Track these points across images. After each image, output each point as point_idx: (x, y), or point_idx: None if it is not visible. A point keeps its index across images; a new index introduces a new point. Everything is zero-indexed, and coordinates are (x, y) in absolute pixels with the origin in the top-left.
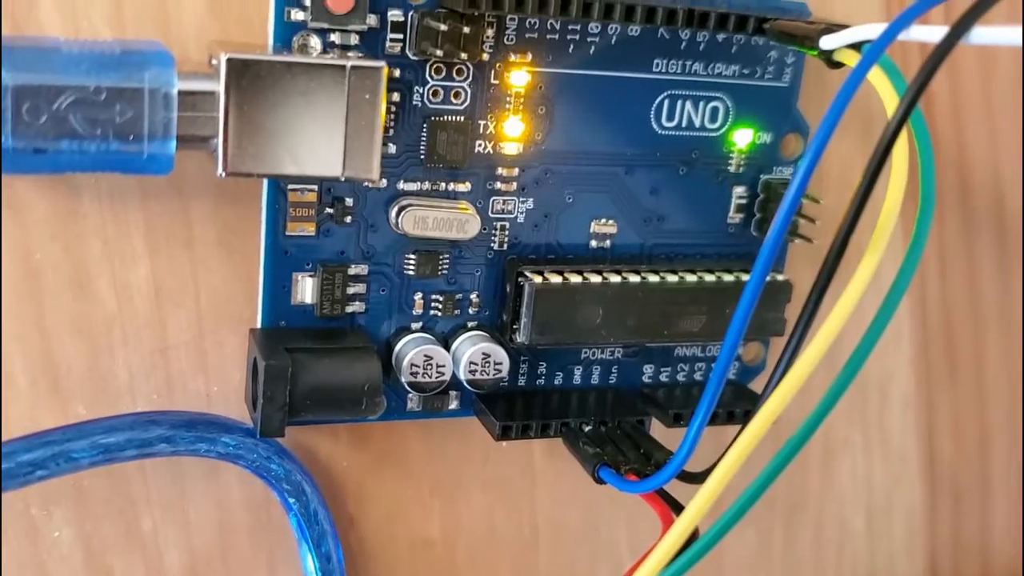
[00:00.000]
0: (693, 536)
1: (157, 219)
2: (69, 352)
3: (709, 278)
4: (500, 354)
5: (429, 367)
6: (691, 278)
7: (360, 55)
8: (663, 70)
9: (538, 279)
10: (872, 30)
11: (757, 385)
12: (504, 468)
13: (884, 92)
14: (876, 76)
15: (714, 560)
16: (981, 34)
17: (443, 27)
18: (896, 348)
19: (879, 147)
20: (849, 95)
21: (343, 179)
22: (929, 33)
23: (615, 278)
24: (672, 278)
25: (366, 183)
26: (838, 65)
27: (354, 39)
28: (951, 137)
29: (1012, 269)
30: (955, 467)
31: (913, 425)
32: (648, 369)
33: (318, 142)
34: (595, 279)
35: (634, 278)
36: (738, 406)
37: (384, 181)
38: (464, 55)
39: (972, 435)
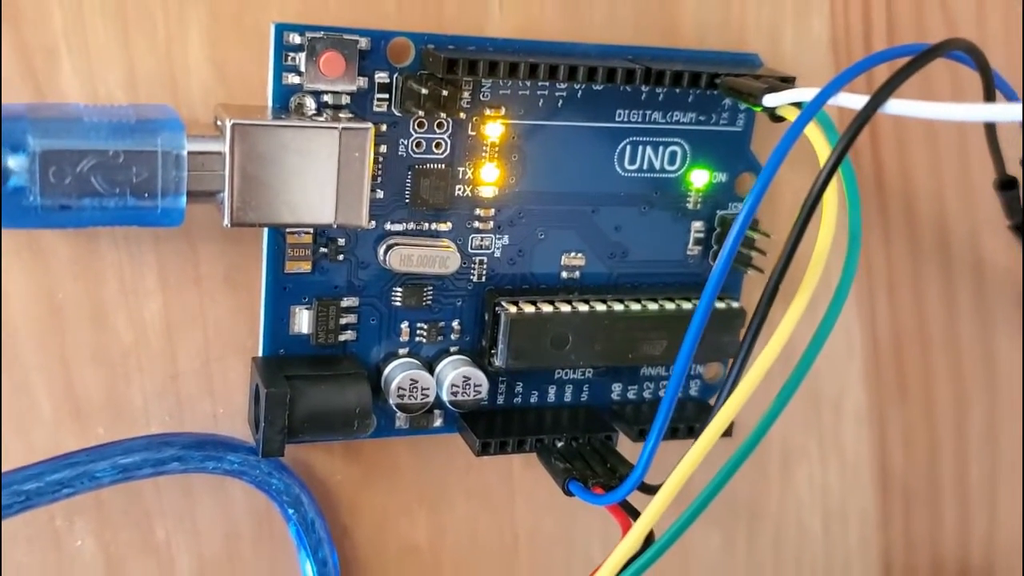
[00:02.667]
0: (650, 539)
1: (169, 260)
2: (89, 380)
3: (669, 306)
4: (480, 377)
5: (415, 390)
6: (653, 306)
7: (350, 115)
8: (625, 119)
9: (513, 309)
10: (806, 93)
11: None
12: (485, 479)
13: (818, 145)
14: (812, 131)
15: (681, 562)
16: (896, 106)
17: (424, 90)
18: (848, 365)
19: (809, 197)
20: (787, 148)
21: (335, 226)
22: (853, 101)
23: (583, 307)
24: (636, 306)
25: (356, 228)
26: (780, 119)
27: (345, 99)
28: (896, 167)
29: (956, 291)
30: (906, 475)
31: (866, 436)
32: (616, 387)
33: (313, 194)
34: (565, 308)
35: (601, 307)
36: (699, 421)
37: (373, 223)
38: (443, 113)
39: (921, 446)
